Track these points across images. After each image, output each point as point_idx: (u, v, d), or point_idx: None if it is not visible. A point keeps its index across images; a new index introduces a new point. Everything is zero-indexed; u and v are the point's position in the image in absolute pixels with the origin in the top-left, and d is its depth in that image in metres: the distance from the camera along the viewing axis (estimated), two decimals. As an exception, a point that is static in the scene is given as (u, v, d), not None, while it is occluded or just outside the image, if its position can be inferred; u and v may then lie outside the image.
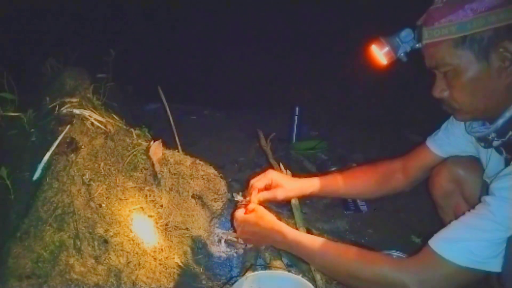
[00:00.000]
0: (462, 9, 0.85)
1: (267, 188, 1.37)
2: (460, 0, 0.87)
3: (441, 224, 1.39)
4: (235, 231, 1.30)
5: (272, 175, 1.38)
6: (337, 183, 1.42)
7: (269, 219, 1.18)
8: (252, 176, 1.40)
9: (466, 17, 0.85)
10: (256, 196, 1.31)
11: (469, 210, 1.26)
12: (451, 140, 1.23)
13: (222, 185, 1.52)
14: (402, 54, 1.04)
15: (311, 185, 1.41)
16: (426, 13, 0.95)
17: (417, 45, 1.00)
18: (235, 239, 1.49)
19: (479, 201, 1.22)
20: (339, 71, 3.55)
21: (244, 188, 1.40)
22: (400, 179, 1.38)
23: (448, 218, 1.33)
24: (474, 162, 1.23)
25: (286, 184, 1.38)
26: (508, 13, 0.83)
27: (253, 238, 1.23)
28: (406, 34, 1.02)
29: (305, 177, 1.47)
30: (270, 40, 3.93)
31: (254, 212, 1.21)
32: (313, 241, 1.09)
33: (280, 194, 1.36)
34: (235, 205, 1.36)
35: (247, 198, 1.32)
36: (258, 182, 1.35)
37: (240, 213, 1.25)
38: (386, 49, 1.04)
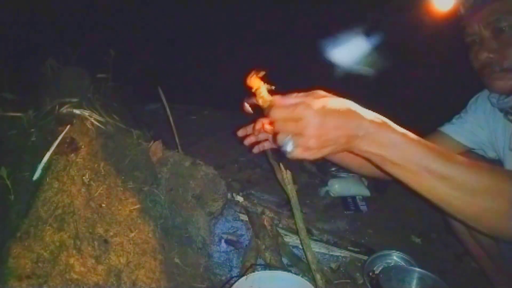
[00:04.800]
0: None
1: None
2: None
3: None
4: (275, 144, 0.77)
5: None
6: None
7: (351, 102, 0.77)
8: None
9: None
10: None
11: None
12: (465, 127, 1.24)
13: (222, 185, 1.52)
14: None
15: None
16: None
17: None
18: (235, 239, 1.49)
19: None
20: (339, 70, 3.55)
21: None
22: None
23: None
24: (481, 160, 1.23)
25: None
26: None
27: (338, 133, 0.73)
28: None
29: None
30: (270, 40, 3.92)
31: (325, 95, 0.78)
32: (426, 142, 0.76)
33: None
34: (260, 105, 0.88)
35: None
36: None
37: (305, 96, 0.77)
38: None
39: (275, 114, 0.76)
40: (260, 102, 0.85)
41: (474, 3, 0.99)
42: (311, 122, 0.71)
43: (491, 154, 1.27)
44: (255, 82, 0.87)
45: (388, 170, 0.77)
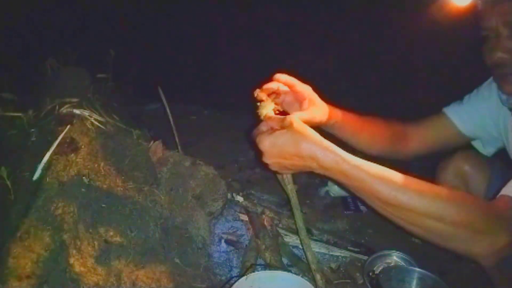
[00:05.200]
0: None
1: (299, 101, 1.04)
2: None
3: None
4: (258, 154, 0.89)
5: (306, 88, 1.04)
6: (355, 125, 1.20)
7: (313, 135, 0.85)
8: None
9: None
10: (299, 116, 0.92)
11: None
12: (474, 116, 1.19)
13: (222, 185, 1.52)
14: None
15: (335, 116, 1.12)
16: None
17: None
18: (235, 239, 1.49)
19: (486, 197, 1.22)
20: (339, 70, 3.55)
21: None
22: (410, 145, 1.27)
23: None
24: (480, 158, 1.24)
25: (320, 105, 1.06)
26: None
27: (287, 163, 0.86)
28: None
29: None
30: (270, 40, 3.93)
31: (290, 127, 0.85)
32: (379, 169, 0.81)
33: (318, 116, 1.04)
34: (257, 117, 0.95)
35: (268, 106, 0.94)
36: (298, 88, 1.01)
37: (266, 128, 0.90)
38: None
39: (251, 135, 0.91)
40: (258, 114, 0.95)
41: None
42: (264, 153, 0.86)
43: (490, 149, 1.23)
44: (260, 95, 0.97)
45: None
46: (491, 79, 1.17)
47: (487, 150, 1.26)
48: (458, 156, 1.27)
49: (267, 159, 0.86)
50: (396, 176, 0.80)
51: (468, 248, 0.80)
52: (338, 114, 1.14)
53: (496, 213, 0.78)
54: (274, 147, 0.84)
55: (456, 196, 0.82)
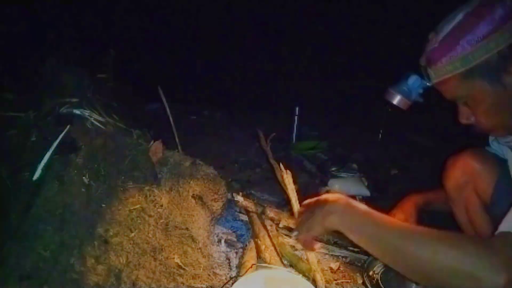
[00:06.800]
0: (458, 44, 0.88)
1: None
2: (454, 37, 0.89)
3: (452, 218, 1.37)
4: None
5: None
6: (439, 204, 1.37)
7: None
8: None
9: (465, 50, 0.87)
10: None
11: (480, 205, 1.26)
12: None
13: (222, 185, 1.52)
14: (417, 97, 1.05)
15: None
16: (425, 54, 0.96)
17: (428, 84, 1.02)
18: (235, 239, 1.49)
19: (493, 197, 1.21)
20: (339, 70, 3.55)
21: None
22: None
23: (459, 211, 1.32)
24: (491, 157, 1.22)
25: None
26: (504, 35, 0.84)
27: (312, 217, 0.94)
28: (413, 81, 1.04)
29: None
30: (270, 40, 3.93)
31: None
32: (389, 219, 0.89)
33: None
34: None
35: None
36: None
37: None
38: (398, 98, 1.06)
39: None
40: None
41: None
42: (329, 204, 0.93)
43: None
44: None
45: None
46: None
47: None
48: (467, 153, 1.24)
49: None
50: (410, 229, 0.82)
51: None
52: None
53: (494, 252, 0.73)
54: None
55: (449, 236, 0.78)
